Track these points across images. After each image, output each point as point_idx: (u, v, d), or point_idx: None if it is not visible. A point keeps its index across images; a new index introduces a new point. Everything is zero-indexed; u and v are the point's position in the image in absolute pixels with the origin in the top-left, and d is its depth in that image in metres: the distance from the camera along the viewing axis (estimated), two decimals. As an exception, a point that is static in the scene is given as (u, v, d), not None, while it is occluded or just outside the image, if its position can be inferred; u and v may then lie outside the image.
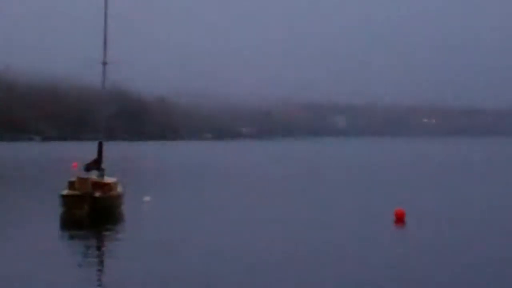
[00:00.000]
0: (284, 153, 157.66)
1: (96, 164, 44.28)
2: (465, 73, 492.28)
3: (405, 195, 54.08)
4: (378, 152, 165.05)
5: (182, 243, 31.82)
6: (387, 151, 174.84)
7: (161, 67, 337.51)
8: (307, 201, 51.44)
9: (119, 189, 44.57)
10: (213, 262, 27.41)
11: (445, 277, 24.84)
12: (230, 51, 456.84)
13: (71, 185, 42.00)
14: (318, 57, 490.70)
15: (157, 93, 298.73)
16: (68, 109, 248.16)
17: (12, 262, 27.35)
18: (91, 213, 39.99)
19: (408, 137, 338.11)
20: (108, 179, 43.75)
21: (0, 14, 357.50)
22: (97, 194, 41.09)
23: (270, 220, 40.23)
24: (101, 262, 28.43)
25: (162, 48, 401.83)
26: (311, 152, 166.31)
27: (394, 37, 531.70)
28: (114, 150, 65.81)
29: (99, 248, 32.45)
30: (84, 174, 43.28)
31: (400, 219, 39.36)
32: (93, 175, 43.44)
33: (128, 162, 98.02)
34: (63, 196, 41.38)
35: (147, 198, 49.42)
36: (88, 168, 44.19)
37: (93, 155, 44.70)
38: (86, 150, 57.97)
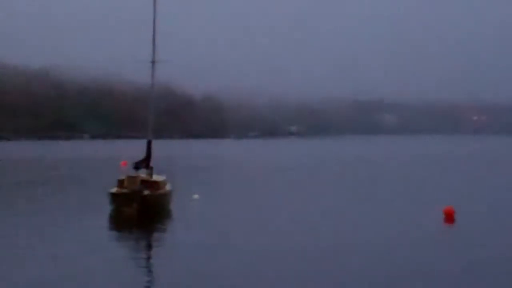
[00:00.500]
0: (332, 151, 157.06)
1: (145, 163, 44.56)
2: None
3: (455, 194, 53.56)
4: (428, 150, 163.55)
5: (230, 243, 31.84)
6: (436, 149, 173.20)
7: (209, 66, 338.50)
8: (358, 199, 51.19)
9: (168, 187, 44.81)
10: (259, 262, 27.40)
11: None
12: (277, 48, 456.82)
13: (120, 183, 42.34)
14: (366, 54, 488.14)
15: (205, 91, 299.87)
16: (117, 107, 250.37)
17: (63, 260, 27.63)
18: (140, 211, 40.24)
19: (457, 135, 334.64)
20: (156, 177, 44.00)
21: (50, 14, 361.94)
22: (146, 192, 41.34)
23: (319, 218, 40.14)
24: (149, 261, 28.61)
25: (210, 46, 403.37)
26: (360, 150, 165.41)
27: (441, 32, 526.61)
28: (162, 149, 66.14)
29: (147, 246, 32.64)
30: (133, 172, 43.58)
31: (449, 217, 39.06)
32: (142, 173, 43.74)
33: (176, 160, 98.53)
34: (113, 194, 41.73)
35: (195, 196, 49.61)
36: (137, 166, 44.49)
37: (142, 154, 44.98)
38: (135, 148, 58.40)
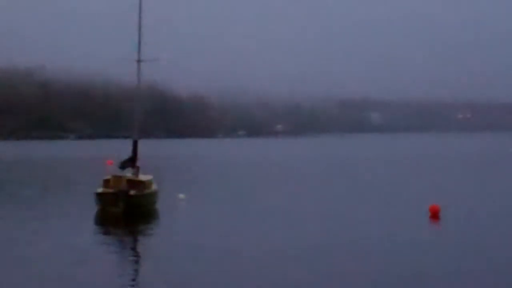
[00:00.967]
0: (318, 149, 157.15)
1: (131, 162, 44.45)
2: (500, 67, 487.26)
3: (440, 191, 53.69)
4: (413, 148, 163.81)
5: (216, 243, 31.81)
6: (421, 147, 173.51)
7: (196, 65, 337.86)
8: (344, 198, 51.23)
9: (154, 186, 44.72)
10: (245, 262, 27.41)
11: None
12: (265, 47, 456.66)
13: (106, 183, 42.21)
14: (352, 53, 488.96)
15: (192, 90, 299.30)
16: (103, 107, 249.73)
17: (47, 260, 27.54)
18: (126, 211, 40.14)
19: (443, 133, 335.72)
20: (143, 177, 43.90)
21: (34, 14, 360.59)
22: (132, 192, 41.24)
23: (306, 217, 40.13)
24: (135, 261, 28.54)
25: (197, 45, 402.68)
26: (345, 148, 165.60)
27: (425, 31, 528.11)
28: (148, 148, 65.99)
29: (133, 246, 32.57)
30: (119, 172, 43.47)
31: (435, 215, 39.16)
32: (128, 173, 43.63)
33: (163, 160, 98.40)
34: (98, 194, 41.62)
35: (181, 196, 49.53)
36: (123, 166, 44.38)
37: (128, 153, 44.87)
38: (121, 148, 58.26)
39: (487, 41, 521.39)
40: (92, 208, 41.03)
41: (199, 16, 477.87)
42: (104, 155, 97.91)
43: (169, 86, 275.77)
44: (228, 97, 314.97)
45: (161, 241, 32.78)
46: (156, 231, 35.92)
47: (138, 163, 44.58)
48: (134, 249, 31.85)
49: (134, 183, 42.26)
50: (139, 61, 46.64)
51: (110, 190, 41.33)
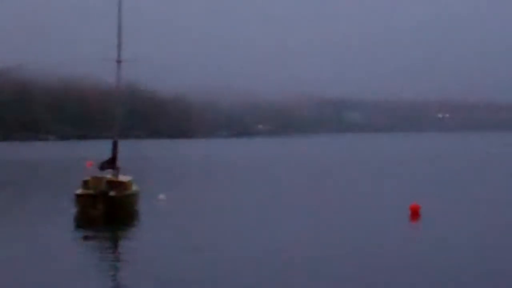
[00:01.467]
0: (300, 149, 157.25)
1: (111, 163, 44.16)
2: (479, 67, 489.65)
3: (421, 191, 53.81)
4: (393, 148, 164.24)
5: (196, 244, 31.67)
6: (401, 146, 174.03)
7: (178, 65, 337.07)
8: (323, 198, 51.21)
9: (134, 187, 44.47)
10: (224, 264, 27.33)
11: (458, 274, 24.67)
12: (247, 47, 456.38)
13: (85, 184, 41.87)
14: (334, 53, 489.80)
15: (174, 90, 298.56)
16: (83, 108, 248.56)
17: (26, 262, 27.30)
18: (106, 213, 39.88)
19: (422, 132, 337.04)
20: (123, 178, 43.63)
21: (12, 13, 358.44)
22: (112, 193, 40.97)
23: (284, 218, 40.06)
24: (114, 263, 28.34)
25: (178, 45, 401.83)
26: (327, 148, 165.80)
27: (403, 30, 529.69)
28: (129, 149, 65.71)
29: (113, 248, 32.36)
30: (98, 173, 43.18)
31: (415, 214, 39.22)
32: (108, 174, 43.36)
33: (143, 161, 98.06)
34: (78, 196, 41.31)
35: (162, 197, 49.33)
36: (103, 167, 44.08)
37: (108, 154, 44.58)
38: (101, 148, 57.94)
39: (468, 40, 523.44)
40: (71, 210, 40.71)
41: (183, 15, 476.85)
42: (84, 156, 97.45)
43: (151, 87, 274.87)
44: (210, 97, 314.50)
45: (142, 242, 32.59)
46: (136, 233, 35.73)
47: (118, 164, 44.31)
48: (113, 251, 31.63)
49: (114, 184, 41.96)
50: (119, 61, 46.33)
51: (90, 192, 41.02)
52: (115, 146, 44.80)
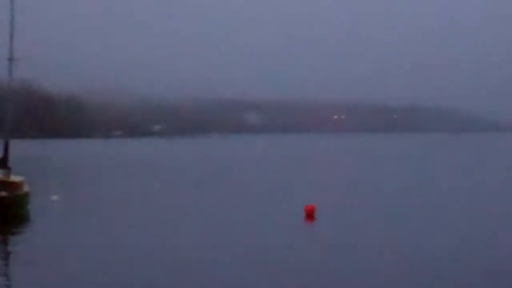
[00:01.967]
0: (194, 150, 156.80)
1: (2, 163, 43.07)
2: (375, 70, 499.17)
3: (316, 191, 54.16)
4: (290, 148, 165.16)
5: (88, 243, 31.22)
6: (298, 147, 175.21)
7: (73, 65, 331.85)
8: (219, 198, 51.11)
9: (26, 188, 43.48)
10: (117, 264, 27.01)
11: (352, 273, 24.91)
12: (144, 49, 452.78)
13: (-25, 184, 40.72)
14: (232, 54, 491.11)
15: (68, 90, 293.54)
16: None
17: None
18: (-4, 213, 38.86)
19: (319, 133, 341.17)
20: (14, 178, 42.62)
21: None
22: (3, 193, 39.98)
23: (178, 218, 39.86)
24: (4, 264, 27.61)
25: (75, 45, 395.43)
26: (221, 149, 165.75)
27: (303, 31, 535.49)
28: (21, 149, 64.31)
29: (3, 249, 31.52)
30: (-11, 174, 42.02)
31: (310, 215, 39.29)
32: (-1, 174, 42.25)
33: (36, 161, 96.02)
34: (-33, 196, 40.12)
35: (54, 197, 48.43)
36: (-6, 167, 42.93)
37: (-1, 154, 43.47)
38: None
39: (361, 46, 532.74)
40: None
41: (80, 16, 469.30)
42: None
43: (44, 86, 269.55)
44: (105, 97, 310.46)
45: (33, 243, 31.83)
46: (27, 234, 34.89)
47: (10, 164, 43.26)
48: (3, 252, 30.79)
49: (5, 184, 40.95)
50: (10, 59, 45.24)
51: (-20, 192, 39.93)
52: (6, 146, 43.74)
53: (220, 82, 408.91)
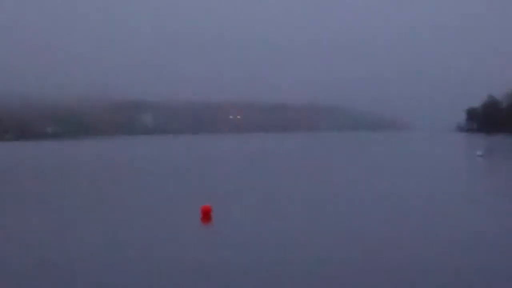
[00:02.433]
0: (86, 152, 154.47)
1: None
2: (270, 70, 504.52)
3: (213, 192, 53.10)
4: (186, 149, 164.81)
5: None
6: (194, 147, 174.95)
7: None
8: (109, 202, 49.17)
9: None
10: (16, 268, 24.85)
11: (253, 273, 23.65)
12: (36, 49, 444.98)
13: None
14: (130, 56, 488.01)
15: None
16: None
17: None
18: None
19: (215, 133, 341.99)
20: None
21: None
22: None
23: (67, 223, 37.71)
24: None
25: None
26: (113, 150, 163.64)
27: (195, 33, 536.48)
28: None
29: None
30: None
31: (206, 215, 38.18)
32: None
33: None
34: None
35: None
36: None
37: None
38: None
39: (258, 47, 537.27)
40: None
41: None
42: None
43: None
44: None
45: None
46: None
47: None
48: None
49: None
50: None
51: None
52: None
53: (117, 84, 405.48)
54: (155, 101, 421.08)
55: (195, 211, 39.20)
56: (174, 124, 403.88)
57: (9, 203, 49.87)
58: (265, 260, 26.38)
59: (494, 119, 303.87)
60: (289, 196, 49.81)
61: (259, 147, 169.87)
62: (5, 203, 49.40)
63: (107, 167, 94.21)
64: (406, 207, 41.42)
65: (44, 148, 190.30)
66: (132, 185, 64.18)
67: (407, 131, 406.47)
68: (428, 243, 29.02)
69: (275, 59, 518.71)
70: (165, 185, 61.96)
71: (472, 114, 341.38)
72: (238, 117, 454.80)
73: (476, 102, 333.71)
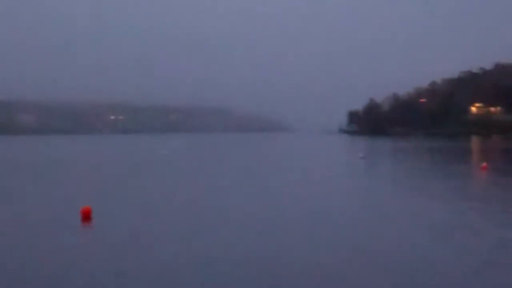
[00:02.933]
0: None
1: None
2: (154, 72, 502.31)
3: (93, 193, 52.07)
4: (65, 150, 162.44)
5: None
6: (74, 148, 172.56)
7: None
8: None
9: None
10: None
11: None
12: None
13: None
14: (5, 53, 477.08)
15: None
16: None
17: None
18: None
19: (96, 134, 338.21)
20: None
21: None
22: None
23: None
24: None
25: None
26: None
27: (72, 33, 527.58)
28: None
29: None
30: None
31: (86, 216, 37.31)
32: None
33: None
34: None
35: None
36: None
37: None
38: None
39: (154, 50, 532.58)
40: None
41: None
42: None
43: None
44: None
45: None
46: None
47: None
48: None
49: None
50: None
51: None
52: None
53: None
54: (35, 100, 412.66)
55: (75, 213, 38.23)
56: (55, 125, 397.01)
57: None
58: (151, 259, 25.88)
59: (375, 122, 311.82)
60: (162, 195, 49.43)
61: (137, 148, 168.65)
62: None
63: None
64: (280, 206, 41.46)
65: None
66: (5, 186, 62.33)
67: (291, 133, 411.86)
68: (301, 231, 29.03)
69: (159, 58, 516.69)
70: (45, 186, 60.41)
71: (353, 117, 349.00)
72: (120, 117, 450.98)
73: (359, 105, 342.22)
